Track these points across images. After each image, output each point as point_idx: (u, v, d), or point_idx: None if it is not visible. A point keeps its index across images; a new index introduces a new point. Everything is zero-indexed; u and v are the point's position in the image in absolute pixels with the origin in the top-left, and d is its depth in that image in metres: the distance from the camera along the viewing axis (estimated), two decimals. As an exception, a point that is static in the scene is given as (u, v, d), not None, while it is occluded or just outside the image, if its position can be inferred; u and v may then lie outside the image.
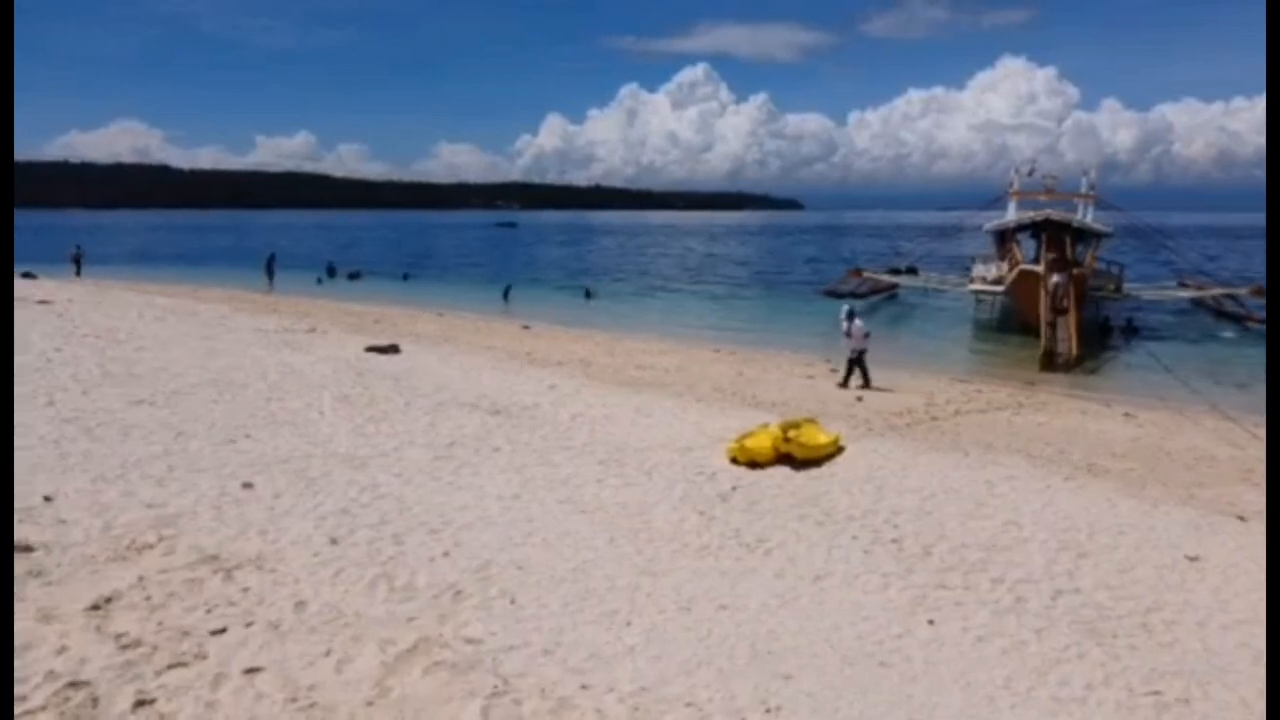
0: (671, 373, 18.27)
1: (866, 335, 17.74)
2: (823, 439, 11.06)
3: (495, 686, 5.35)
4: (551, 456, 10.55)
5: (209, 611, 6.10)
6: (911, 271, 41.80)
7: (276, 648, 5.70)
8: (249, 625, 5.95)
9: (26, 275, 36.42)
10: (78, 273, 42.19)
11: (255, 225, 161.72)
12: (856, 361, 17.53)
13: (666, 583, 7.05)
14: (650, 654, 5.90)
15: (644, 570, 7.28)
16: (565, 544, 7.74)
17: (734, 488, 9.53)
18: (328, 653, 5.66)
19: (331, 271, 46.61)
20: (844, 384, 17.37)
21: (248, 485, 8.87)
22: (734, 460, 10.46)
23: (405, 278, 47.35)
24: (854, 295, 34.53)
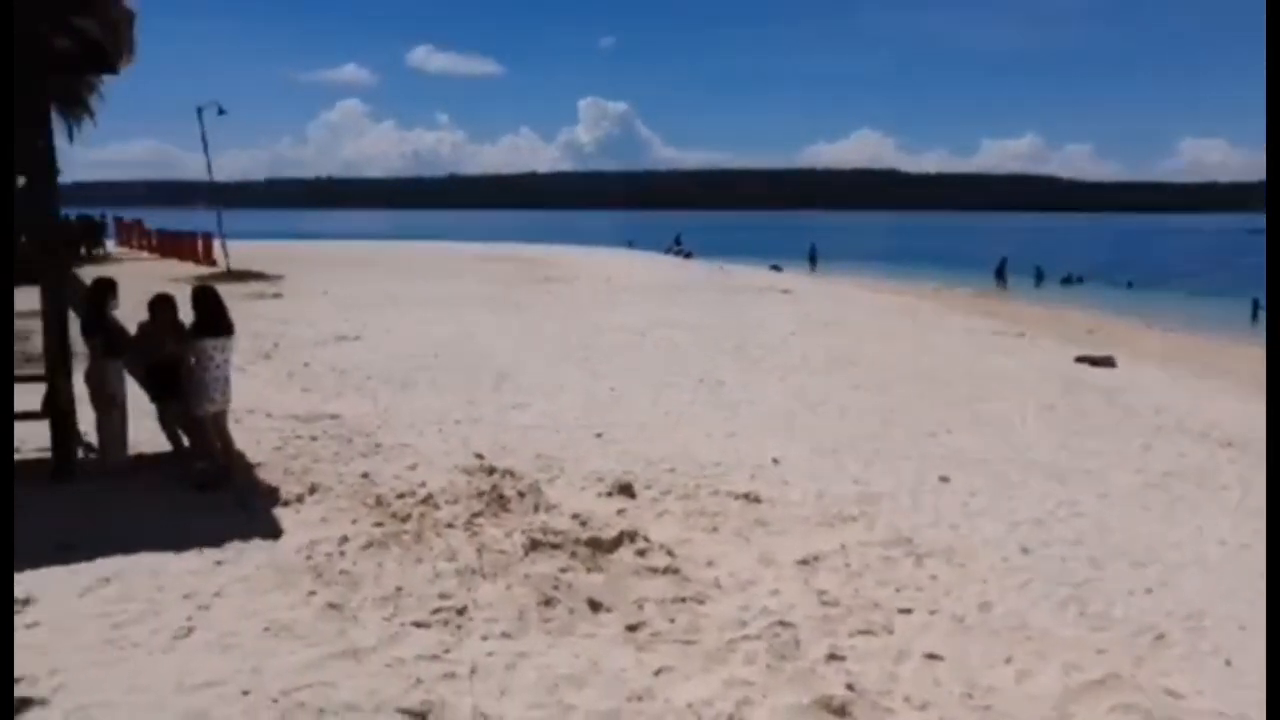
0: None
1: None
2: None
3: (1197, 752, 4.69)
4: (1297, 507, 8.82)
5: (898, 591, 6.41)
6: None
7: (957, 641, 5.76)
8: (933, 613, 6.11)
9: (774, 268, 42.22)
10: (813, 268, 47.60)
11: (977, 228, 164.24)
12: None
13: None
14: None
15: None
16: (1307, 613, 6.42)
17: None
18: (1008, 660, 5.54)
19: (1040, 276, 45.14)
20: None
21: (944, 479, 9.10)
22: None
23: (1129, 285, 43.72)
24: None
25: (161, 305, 8.19)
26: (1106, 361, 17.18)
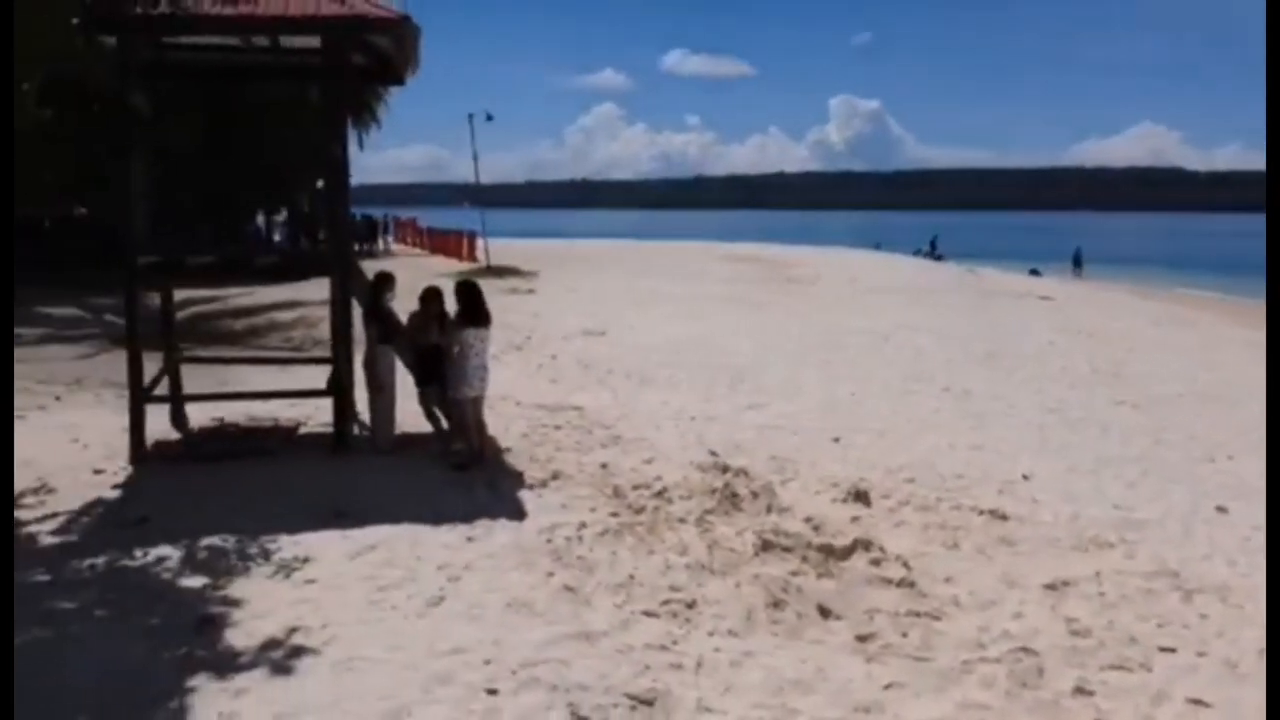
0: None
1: None
2: None
3: None
4: None
5: (1160, 626, 5.86)
6: None
7: (1228, 688, 5.19)
8: (1201, 655, 5.54)
9: (1033, 272, 39.72)
10: (1077, 273, 44.28)
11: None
12: None
13: None
14: None
15: None
16: None
17: None
18: None
19: None
20: None
21: (1221, 509, 8.22)
22: None
23: None
24: None
25: (431, 298, 8.87)
26: None
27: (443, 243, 36.51)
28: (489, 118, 29.16)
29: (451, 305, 8.64)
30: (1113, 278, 43.78)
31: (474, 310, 8.40)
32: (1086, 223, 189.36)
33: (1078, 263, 45.88)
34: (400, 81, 10.33)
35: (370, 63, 9.67)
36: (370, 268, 10.48)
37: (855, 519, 7.52)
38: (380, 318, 8.73)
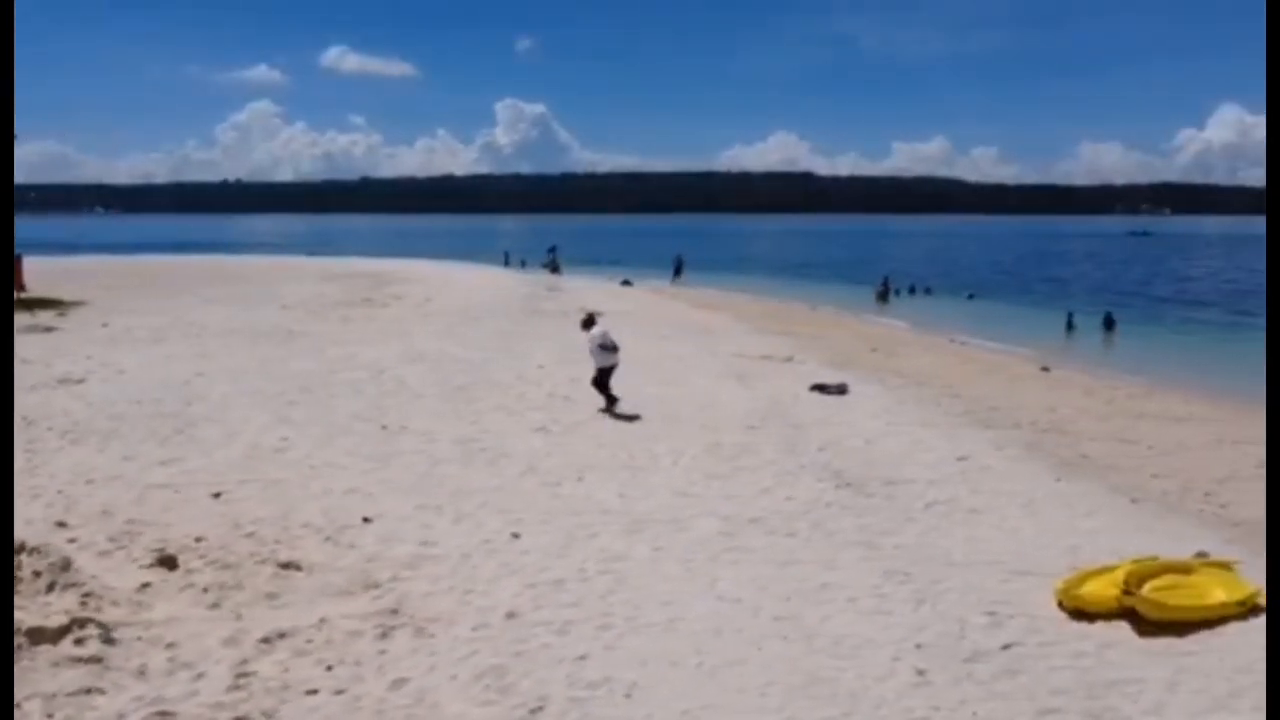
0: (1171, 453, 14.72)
1: (605, 348, 14.77)
2: (1212, 598, 8.03)
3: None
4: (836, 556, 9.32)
5: (329, 669, 6.64)
6: None
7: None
8: (340, 692, 6.34)
9: (625, 283, 42.56)
10: (677, 280, 48.12)
11: (883, 232, 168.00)
12: (599, 382, 14.92)
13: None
14: None
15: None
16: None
17: (1007, 646, 7.44)
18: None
19: (886, 292, 44.21)
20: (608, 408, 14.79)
21: (516, 535, 9.37)
22: (1060, 606, 8.16)
23: (970, 297, 44.89)
24: None
25: None
26: (838, 389, 17.74)
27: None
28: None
29: None
30: (706, 283, 47.88)
31: None
32: (732, 224, 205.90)
33: (678, 270, 49.87)
34: None
35: None
36: None
37: (144, 586, 7.80)
38: None
